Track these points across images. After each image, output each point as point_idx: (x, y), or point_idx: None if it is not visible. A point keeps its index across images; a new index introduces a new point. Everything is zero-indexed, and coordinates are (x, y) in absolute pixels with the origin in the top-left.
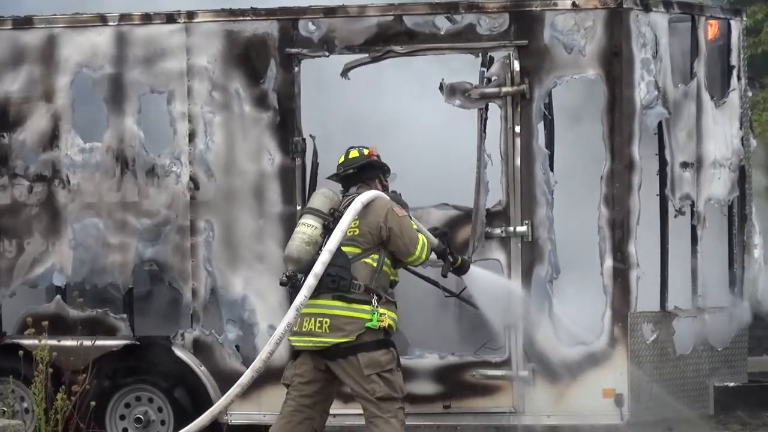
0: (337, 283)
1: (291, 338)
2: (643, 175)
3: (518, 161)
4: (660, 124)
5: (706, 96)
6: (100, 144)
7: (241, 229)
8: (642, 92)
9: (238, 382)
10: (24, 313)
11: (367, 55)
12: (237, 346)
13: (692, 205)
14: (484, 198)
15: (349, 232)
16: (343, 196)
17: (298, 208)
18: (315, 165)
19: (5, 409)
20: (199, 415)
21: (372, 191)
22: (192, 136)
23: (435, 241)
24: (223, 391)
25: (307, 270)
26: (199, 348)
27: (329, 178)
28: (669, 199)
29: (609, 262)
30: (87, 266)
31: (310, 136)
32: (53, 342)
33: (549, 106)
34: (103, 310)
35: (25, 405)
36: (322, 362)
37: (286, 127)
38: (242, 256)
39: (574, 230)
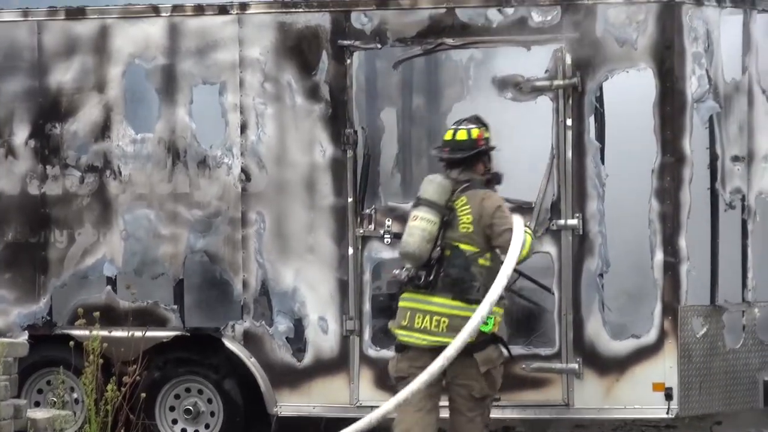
0: (458, 285)
1: (399, 332)
2: (694, 169)
3: (569, 154)
4: (711, 118)
5: (757, 90)
6: (152, 135)
7: (292, 221)
8: (693, 86)
9: (427, 369)
10: (74, 304)
11: (419, 47)
12: (287, 338)
13: (743, 199)
14: (552, 186)
15: (463, 228)
16: (449, 179)
17: (350, 200)
18: (367, 157)
19: (56, 399)
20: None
21: (512, 220)
22: (243, 128)
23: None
24: (273, 383)
25: (423, 267)
26: (249, 339)
27: (434, 154)
28: (719, 193)
29: (659, 256)
30: (138, 257)
31: (362, 128)
32: (104, 333)
33: (600, 99)
34: (154, 301)
35: (75, 395)
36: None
37: (338, 118)
38: (293, 247)
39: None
